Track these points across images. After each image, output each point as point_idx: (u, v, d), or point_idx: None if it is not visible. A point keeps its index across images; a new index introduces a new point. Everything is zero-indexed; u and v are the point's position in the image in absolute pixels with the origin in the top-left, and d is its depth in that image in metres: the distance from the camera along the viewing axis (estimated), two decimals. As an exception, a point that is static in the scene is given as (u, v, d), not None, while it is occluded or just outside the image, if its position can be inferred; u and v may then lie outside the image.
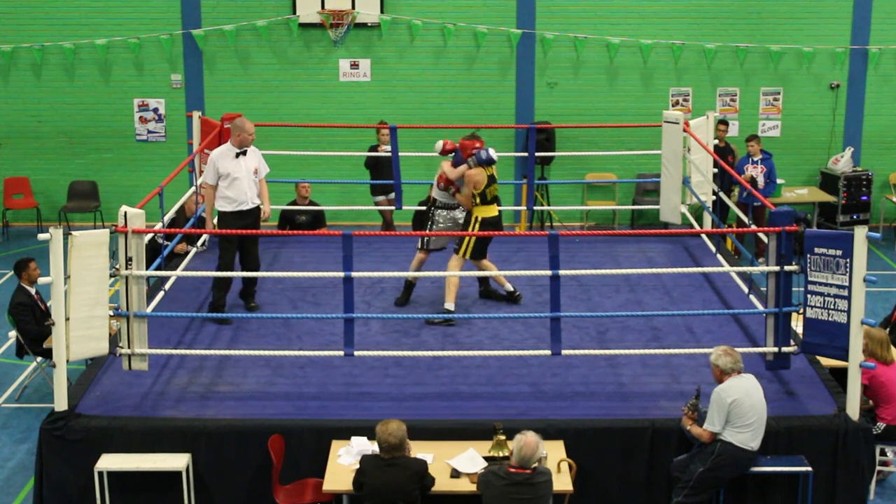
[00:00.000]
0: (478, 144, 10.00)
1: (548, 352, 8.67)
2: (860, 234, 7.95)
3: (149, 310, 8.93)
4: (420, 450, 7.72)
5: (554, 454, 7.73)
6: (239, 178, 9.94)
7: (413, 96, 16.07)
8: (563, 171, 15.94)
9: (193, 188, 11.57)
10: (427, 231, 10.38)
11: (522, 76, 16.10)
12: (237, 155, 9.97)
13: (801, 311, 8.42)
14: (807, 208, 15.79)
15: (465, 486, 7.52)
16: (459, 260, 10.05)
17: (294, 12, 15.76)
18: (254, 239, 10.18)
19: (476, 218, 10.02)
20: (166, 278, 10.21)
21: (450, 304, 9.92)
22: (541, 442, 7.15)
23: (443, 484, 7.49)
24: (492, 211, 10.09)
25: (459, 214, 10.40)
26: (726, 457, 7.71)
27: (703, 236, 12.09)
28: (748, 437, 7.72)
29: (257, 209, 10.13)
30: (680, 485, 7.82)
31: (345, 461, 7.78)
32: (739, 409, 7.68)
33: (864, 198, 15.83)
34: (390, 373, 8.98)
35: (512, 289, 10.42)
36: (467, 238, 9.93)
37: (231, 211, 10.00)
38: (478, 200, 9.99)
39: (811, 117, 16.30)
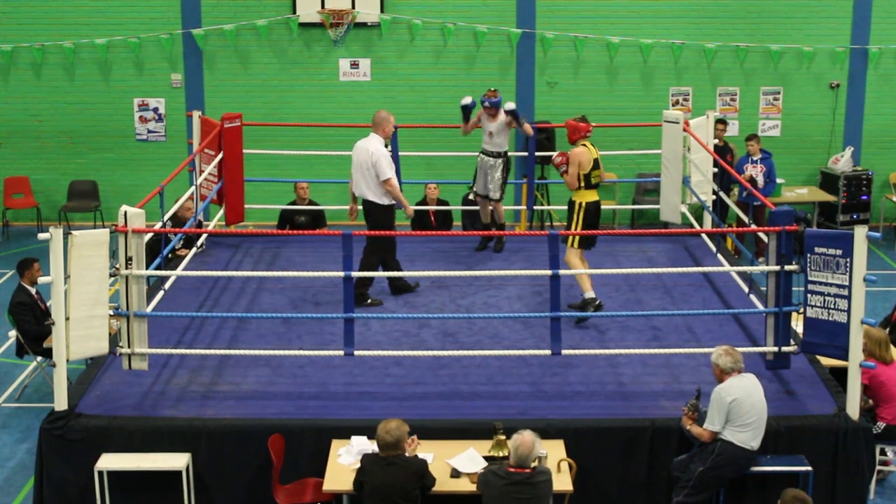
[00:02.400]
0: (590, 129, 10.17)
1: (548, 352, 8.67)
2: (860, 233, 7.95)
3: (149, 309, 8.92)
4: (420, 449, 7.71)
5: (554, 454, 7.73)
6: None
7: (413, 96, 16.06)
8: (564, 170, 15.93)
9: (188, 193, 11.52)
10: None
11: (522, 76, 16.10)
12: (386, 146, 10.23)
13: (801, 310, 8.42)
14: (807, 208, 15.79)
15: (465, 485, 7.52)
16: (575, 251, 10.01)
17: (294, 12, 15.76)
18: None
19: (581, 204, 10.02)
20: (166, 278, 10.21)
21: (589, 294, 9.87)
22: (538, 441, 7.15)
23: (443, 484, 7.49)
24: (594, 195, 10.11)
25: (492, 162, 11.40)
26: (726, 456, 7.71)
27: (703, 236, 12.10)
28: (748, 436, 7.72)
29: None
30: (680, 485, 7.82)
31: (345, 461, 7.78)
32: (740, 408, 7.68)
33: (864, 197, 15.83)
34: (390, 373, 8.98)
35: (593, 296, 9.91)
36: (574, 222, 10.00)
37: (392, 204, 10.20)
38: (582, 184, 10.01)
39: (811, 117, 16.30)
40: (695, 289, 10.79)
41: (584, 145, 10.13)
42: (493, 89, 11.48)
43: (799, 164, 16.33)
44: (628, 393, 8.66)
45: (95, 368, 8.93)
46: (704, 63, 16.10)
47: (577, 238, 9.96)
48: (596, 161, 10.16)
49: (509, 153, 11.67)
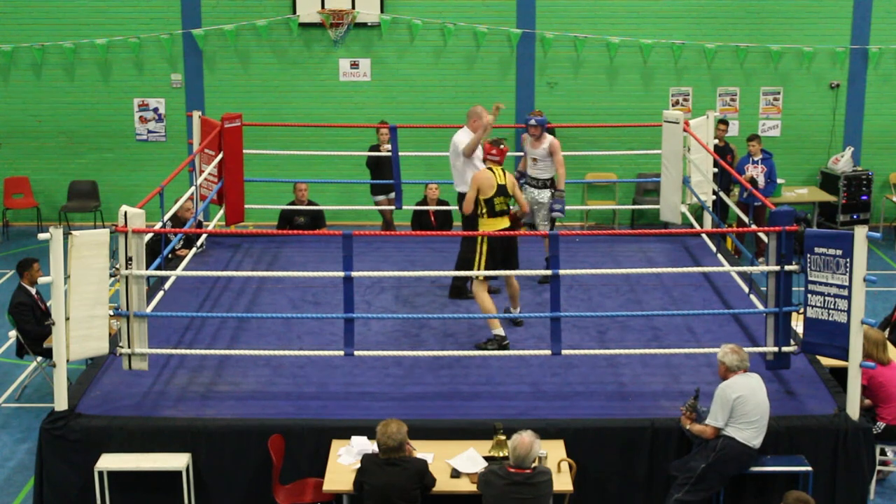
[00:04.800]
0: (493, 152, 9.56)
1: (548, 352, 8.67)
2: (860, 233, 7.96)
3: (149, 310, 8.92)
4: (420, 450, 7.71)
5: (554, 454, 7.73)
6: None
7: (413, 96, 16.07)
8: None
9: (188, 194, 11.52)
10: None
11: (522, 76, 16.10)
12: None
13: (802, 310, 8.42)
14: (807, 208, 15.79)
15: (465, 486, 7.52)
16: (480, 284, 9.37)
17: (294, 12, 15.76)
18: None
19: (482, 238, 9.31)
20: (166, 278, 10.21)
21: (497, 331, 9.31)
22: (537, 441, 7.15)
23: (443, 484, 7.49)
24: (501, 223, 9.54)
25: (540, 196, 10.81)
26: (728, 451, 7.70)
27: (703, 236, 12.09)
28: (751, 434, 7.72)
29: None
30: (679, 481, 7.80)
31: (345, 461, 7.78)
32: (744, 406, 7.69)
33: (864, 197, 15.83)
34: (390, 373, 8.98)
35: (502, 333, 9.34)
36: (478, 254, 9.36)
37: None
38: (483, 210, 9.48)
39: (811, 117, 16.31)
40: (695, 289, 10.79)
41: (491, 169, 9.51)
42: (536, 110, 11.04)
43: (799, 164, 16.34)
44: (628, 393, 8.66)
45: (95, 368, 8.93)
46: (704, 63, 16.10)
47: (482, 264, 9.27)
48: (502, 188, 9.46)
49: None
